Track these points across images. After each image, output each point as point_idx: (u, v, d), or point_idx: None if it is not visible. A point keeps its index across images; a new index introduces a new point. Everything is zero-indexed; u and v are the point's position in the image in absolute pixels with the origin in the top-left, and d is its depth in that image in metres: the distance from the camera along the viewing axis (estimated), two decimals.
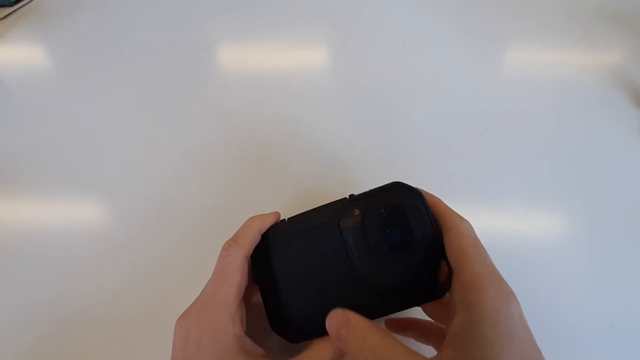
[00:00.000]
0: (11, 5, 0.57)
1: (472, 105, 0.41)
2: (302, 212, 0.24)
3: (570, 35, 0.50)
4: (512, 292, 0.18)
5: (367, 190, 0.23)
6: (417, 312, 0.24)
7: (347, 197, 0.23)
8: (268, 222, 0.24)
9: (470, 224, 0.21)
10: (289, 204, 0.33)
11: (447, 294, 0.21)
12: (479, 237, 0.20)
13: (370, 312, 0.21)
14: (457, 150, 0.37)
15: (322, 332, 0.22)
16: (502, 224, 0.32)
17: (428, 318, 0.24)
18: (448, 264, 0.20)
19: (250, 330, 0.22)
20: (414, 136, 0.38)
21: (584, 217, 0.32)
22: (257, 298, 0.24)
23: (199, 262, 0.26)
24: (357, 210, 0.22)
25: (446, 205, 0.22)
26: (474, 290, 0.18)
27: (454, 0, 0.57)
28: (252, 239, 0.23)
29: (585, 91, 0.43)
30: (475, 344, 0.16)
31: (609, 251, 0.30)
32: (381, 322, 0.26)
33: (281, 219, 0.25)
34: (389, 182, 0.23)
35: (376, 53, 0.48)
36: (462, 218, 0.21)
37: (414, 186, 0.22)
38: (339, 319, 0.19)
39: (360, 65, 0.47)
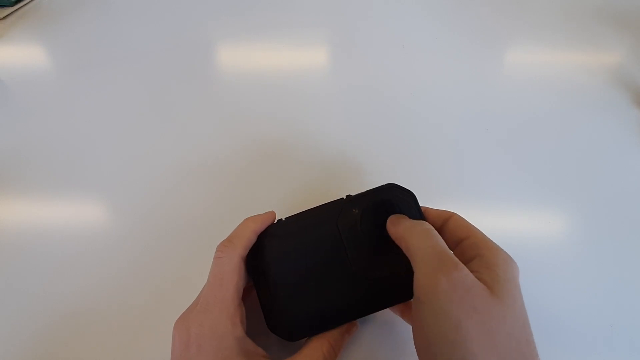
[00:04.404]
0: (11, 5, 0.57)
1: (472, 105, 0.41)
2: (298, 212, 0.24)
3: (571, 35, 0.50)
4: None
5: (364, 191, 0.24)
6: None
7: (344, 197, 0.24)
8: (264, 223, 0.24)
9: None
10: (287, 204, 0.33)
11: None
12: None
13: (367, 307, 0.22)
14: (457, 150, 0.37)
15: (320, 329, 0.22)
16: (502, 224, 0.32)
17: None
18: None
19: (250, 330, 0.22)
20: (414, 136, 0.38)
21: (584, 216, 0.32)
22: (255, 297, 0.23)
23: (197, 262, 0.26)
24: (355, 209, 0.23)
25: (432, 208, 0.24)
26: (484, 248, 0.20)
27: (454, 0, 0.57)
28: (247, 240, 0.23)
29: (586, 91, 0.43)
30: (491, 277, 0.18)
31: (609, 251, 0.30)
32: (375, 316, 0.26)
33: (277, 218, 0.25)
34: (385, 183, 0.24)
35: (376, 53, 0.48)
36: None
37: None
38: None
39: (360, 65, 0.47)
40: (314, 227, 0.23)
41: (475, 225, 0.22)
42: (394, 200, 0.23)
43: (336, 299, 0.22)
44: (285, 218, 0.24)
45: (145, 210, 0.33)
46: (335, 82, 0.45)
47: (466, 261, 0.20)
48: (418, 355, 0.19)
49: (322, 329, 0.22)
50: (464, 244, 0.21)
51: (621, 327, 0.26)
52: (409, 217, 0.23)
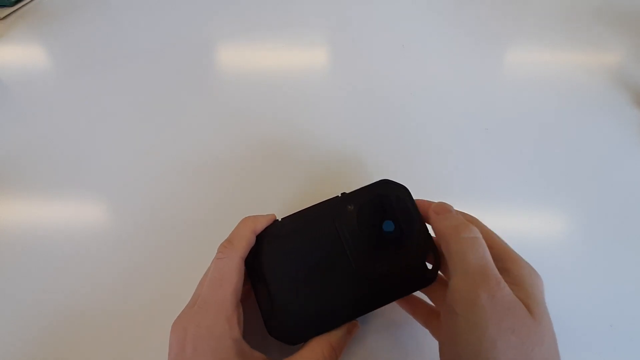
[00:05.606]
0: (11, 5, 0.57)
1: (472, 105, 0.41)
2: (295, 212, 0.24)
3: (571, 36, 0.50)
4: None
5: (358, 188, 0.24)
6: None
7: (339, 195, 0.24)
8: (263, 223, 0.24)
9: None
10: (287, 204, 0.33)
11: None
12: None
13: (368, 304, 0.22)
14: (457, 150, 0.37)
15: (320, 331, 0.22)
16: (501, 223, 0.32)
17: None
18: (435, 254, 0.22)
19: (248, 332, 0.22)
20: (414, 136, 0.38)
21: (584, 217, 0.32)
22: (253, 300, 0.23)
23: (197, 262, 0.26)
24: (350, 206, 0.23)
25: (428, 200, 0.24)
26: (509, 261, 0.20)
27: (454, 0, 0.57)
28: (247, 241, 0.22)
29: (586, 91, 0.43)
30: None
31: (609, 251, 0.30)
32: (376, 316, 0.26)
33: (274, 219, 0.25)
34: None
35: (376, 53, 0.48)
36: None
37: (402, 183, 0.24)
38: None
39: (360, 65, 0.47)
40: (311, 227, 0.23)
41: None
42: (388, 195, 0.23)
43: (337, 297, 0.22)
44: (281, 219, 0.24)
45: (145, 211, 0.33)
46: (335, 82, 0.45)
47: None
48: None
49: (323, 330, 0.22)
50: None
51: (621, 327, 0.26)
52: (405, 212, 0.23)
